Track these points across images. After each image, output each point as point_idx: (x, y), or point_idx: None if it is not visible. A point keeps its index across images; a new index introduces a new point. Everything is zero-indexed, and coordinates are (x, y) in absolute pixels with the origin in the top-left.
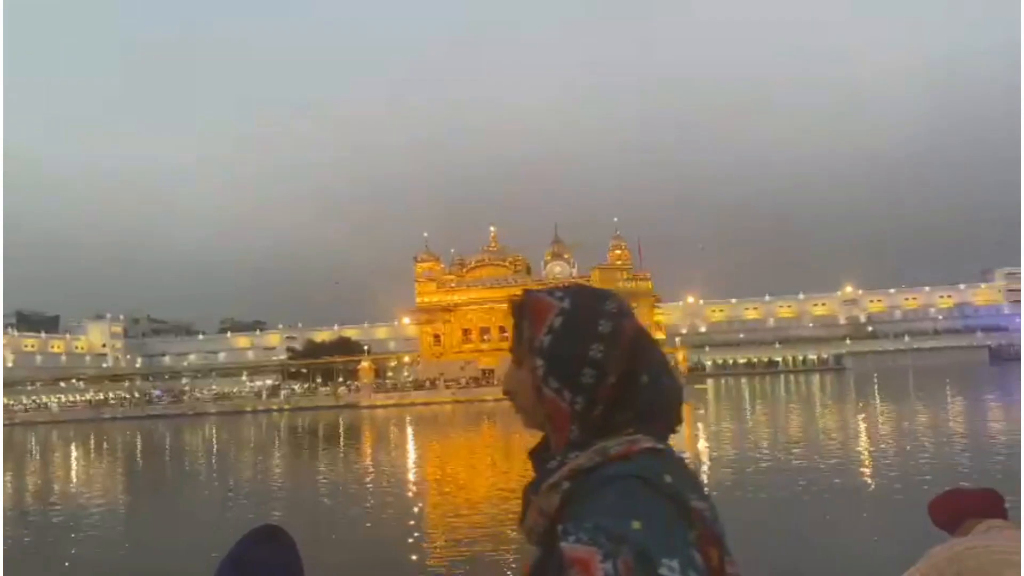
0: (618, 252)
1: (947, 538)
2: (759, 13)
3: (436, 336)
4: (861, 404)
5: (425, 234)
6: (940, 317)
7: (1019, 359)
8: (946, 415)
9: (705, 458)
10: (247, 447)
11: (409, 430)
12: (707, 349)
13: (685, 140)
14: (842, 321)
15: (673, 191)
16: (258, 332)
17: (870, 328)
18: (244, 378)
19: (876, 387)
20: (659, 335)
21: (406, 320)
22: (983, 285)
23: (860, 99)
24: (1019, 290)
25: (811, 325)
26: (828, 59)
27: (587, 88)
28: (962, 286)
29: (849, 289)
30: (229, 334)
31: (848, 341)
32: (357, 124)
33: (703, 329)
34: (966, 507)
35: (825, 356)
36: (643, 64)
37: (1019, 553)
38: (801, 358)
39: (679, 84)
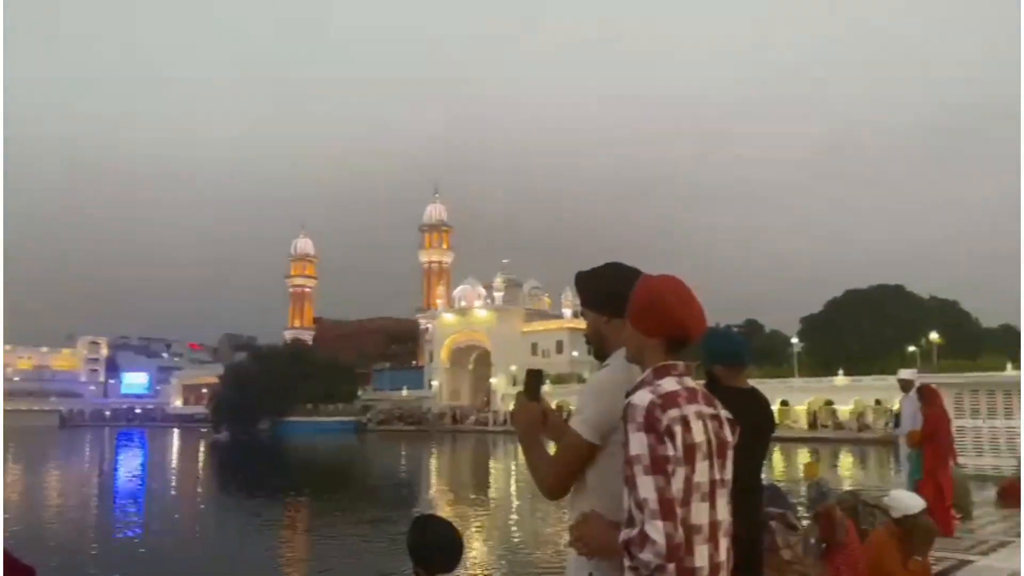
0: None
1: None
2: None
3: None
4: None
5: None
6: (17, 378)
7: (87, 425)
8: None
9: None
10: None
11: None
12: None
13: None
14: None
15: None
16: None
17: None
18: None
19: None
20: None
21: None
22: (66, 350)
23: None
24: (97, 359)
25: None
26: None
27: None
28: (45, 349)
29: None
30: None
31: None
32: None
33: None
34: None
35: None
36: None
37: None
38: None
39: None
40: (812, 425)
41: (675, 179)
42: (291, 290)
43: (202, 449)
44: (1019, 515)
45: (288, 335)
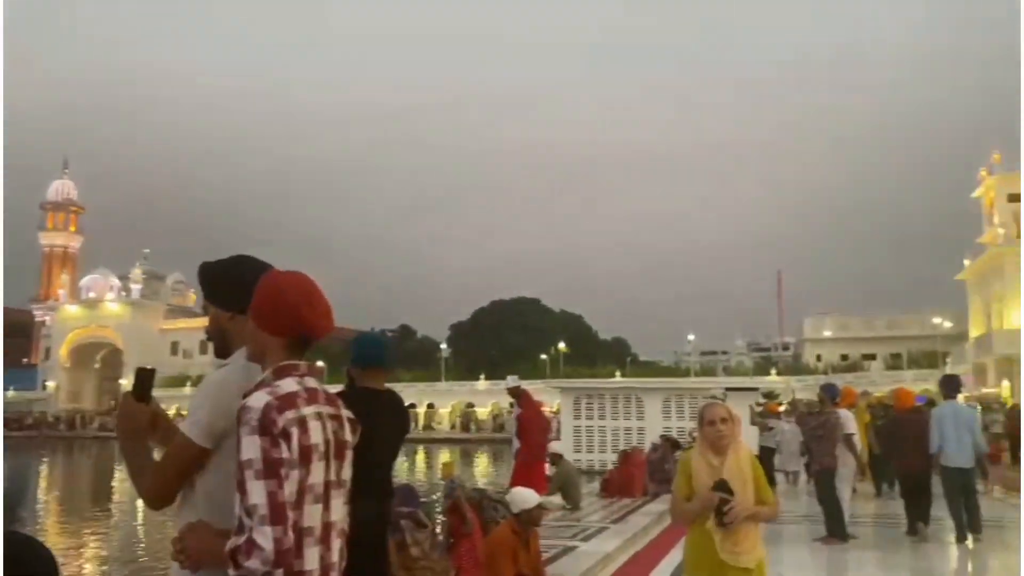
0: None
1: None
2: None
3: None
4: None
5: None
6: None
7: None
8: None
9: None
10: None
11: None
12: None
13: None
14: None
15: None
16: None
17: None
18: None
19: None
20: None
21: None
22: None
23: None
24: None
25: None
26: None
27: None
28: None
29: None
30: None
31: None
32: None
33: None
34: None
35: None
36: None
37: None
38: None
39: None
40: (463, 426)
41: (338, 180)
42: None
43: None
44: (618, 503)
45: None
